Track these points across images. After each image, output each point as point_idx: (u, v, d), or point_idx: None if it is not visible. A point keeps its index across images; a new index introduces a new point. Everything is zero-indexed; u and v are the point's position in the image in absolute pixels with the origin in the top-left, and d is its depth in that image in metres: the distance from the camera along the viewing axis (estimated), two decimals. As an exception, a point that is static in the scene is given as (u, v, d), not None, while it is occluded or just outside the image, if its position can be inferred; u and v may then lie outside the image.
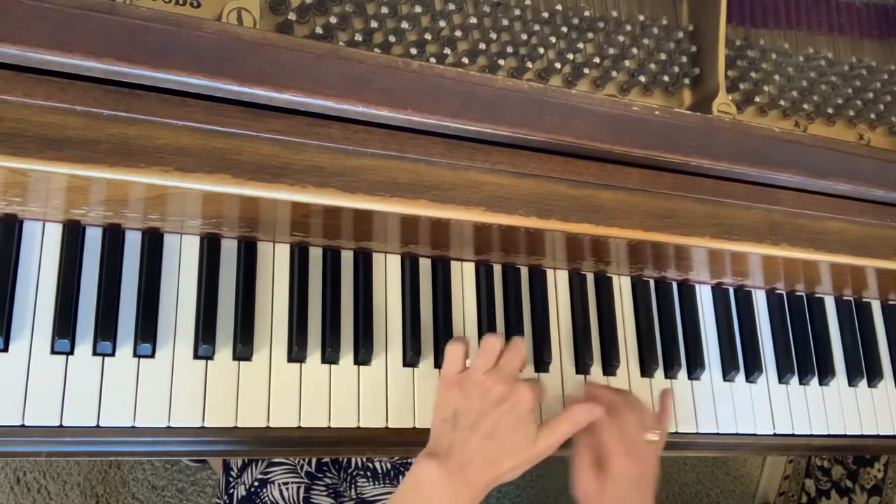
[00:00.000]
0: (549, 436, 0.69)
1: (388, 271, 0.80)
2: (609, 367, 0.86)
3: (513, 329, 0.83)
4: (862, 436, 0.96)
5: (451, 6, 0.77)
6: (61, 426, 0.65)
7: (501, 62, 0.79)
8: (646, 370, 0.87)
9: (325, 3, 0.74)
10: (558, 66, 0.82)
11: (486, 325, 0.82)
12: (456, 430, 0.66)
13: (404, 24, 0.75)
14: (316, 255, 0.77)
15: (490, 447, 0.65)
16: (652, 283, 0.91)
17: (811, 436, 0.93)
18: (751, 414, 0.91)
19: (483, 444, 0.65)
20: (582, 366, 0.84)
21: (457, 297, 0.82)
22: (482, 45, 0.78)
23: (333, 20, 0.73)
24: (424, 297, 0.80)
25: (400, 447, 0.78)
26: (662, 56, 0.87)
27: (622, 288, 0.90)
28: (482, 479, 0.65)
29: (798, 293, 0.99)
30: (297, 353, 0.73)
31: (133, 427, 0.67)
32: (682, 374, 0.89)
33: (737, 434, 0.90)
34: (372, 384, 0.76)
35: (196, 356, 0.70)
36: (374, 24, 0.74)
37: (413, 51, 0.76)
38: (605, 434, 0.73)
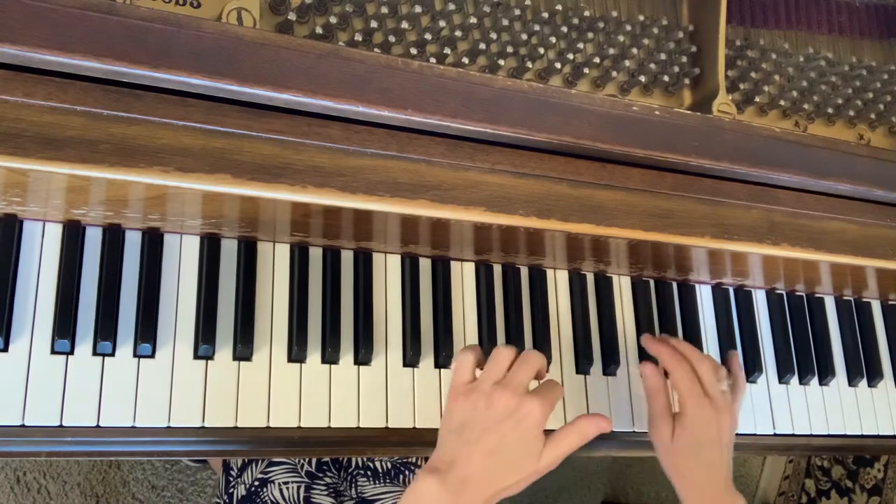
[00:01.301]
0: (555, 450, 0.66)
1: (388, 271, 0.80)
2: (609, 367, 0.86)
3: (513, 329, 0.83)
4: (862, 436, 0.96)
5: (451, 6, 0.77)
6: (61, 426, 0.65)
7: (501, 62, 0.79)
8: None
9: (325, 3, 0.74)
10: (558, 66, 0.82)
11: (486, 325, 0.82)
12: (461, 443, 0.65)
13: (404, 24, 0.75)
14: (316, 255, 0.77)
15: (492, 463, 0.64)
16: (652, 283, 0.91)
17: (811, 436, 0.93)
18: (751, 414, 0.91)
19: (485, 460, 0.64)
20: (582, 366, 0.85)
21: (457, 297, 0.82)
22: (482, 45, 0.78)
23: (333, 20, 0.73)
24: (424, 297, 0.80)
25: (400, 447, 0.78)
26: (662, 56, 0.87)
27: (622, 288, 0.90)
28: (482, 496, 0.64)
29: (798, 293, 0.99)
30: (297, 353, 0.73)
31: (133, 427, 0.67)
32: (682, 374, 0.89)
33: (737, 434, 0.90)
34: (372, 384, 0.76)
35: (196, 356, 0.70)
36: (374, 24, 0.74)
37: (413, 51, 0.76)
38: (680, 379, 0.76)
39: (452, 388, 0.69)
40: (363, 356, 0.76)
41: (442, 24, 0.77)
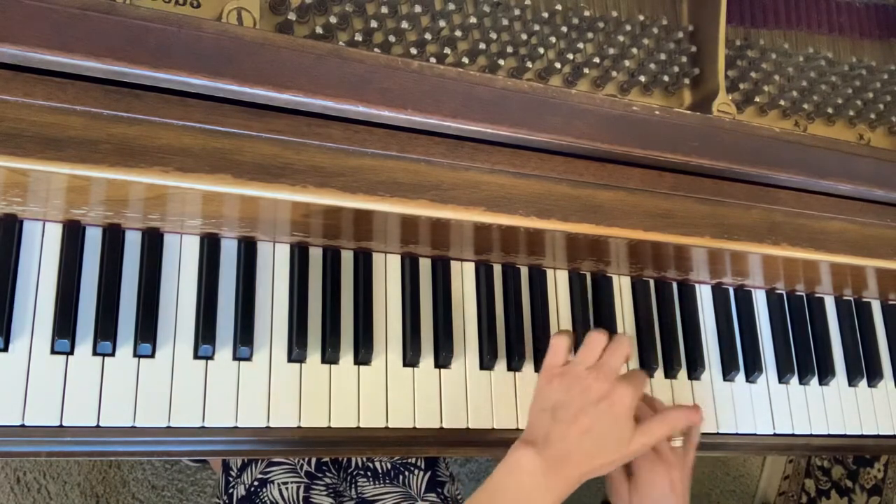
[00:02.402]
0: (643, 437, 0.69)
1: (388, 271, 0.80)
2: (609, 367, 0.86)
3: (513, 329, 0.83)
4: (862, 436, 0.96)
5: (451, 6, 0.77)
6: (61, 426, 0.65)
7: (501, 62, 0.79)
8: (646, 370, 0.87)
9: (325, 3, 0.74)
10: (558, 66, 0.82)
11: (486, 324, 0.82)
12: (555, 422, 0.67)
13: (404, 24, 0.75)
14: (316, 255, 0.77)
15: (586, 443, 0.66)
16: (652, 283, 0.91)
17: (811, 436, 0.93)
18: (751, 414, 0.91)
19: (580, 439, 0.66)
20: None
21: (457, 297, 0.82)
22: (482, 45, 0.78)
23: (333, 20, 0.73)
24: (424, 297, 0.80)
25: (400, 447, 0.78)
26: (662, 56, 0.87)
27: (622, 288, 0.90)
28: (576, 473, 0.66)
29: (798, 293, 0.99)
30: (297, 353, 0.73)
31: (133, 427, 0.67)
32: (682, 374, 0.89)
33: (737, 434, 0.90)
34: (372, 384, 0.76)
35: (196, 356, 0.70)
36: (374, 24, 0.74)
37: (413, 51, 0.76)
38: None
39: (545, 369, 0.72)
40: (363, 356, 0.76)
41: (442, 24, 0.77)
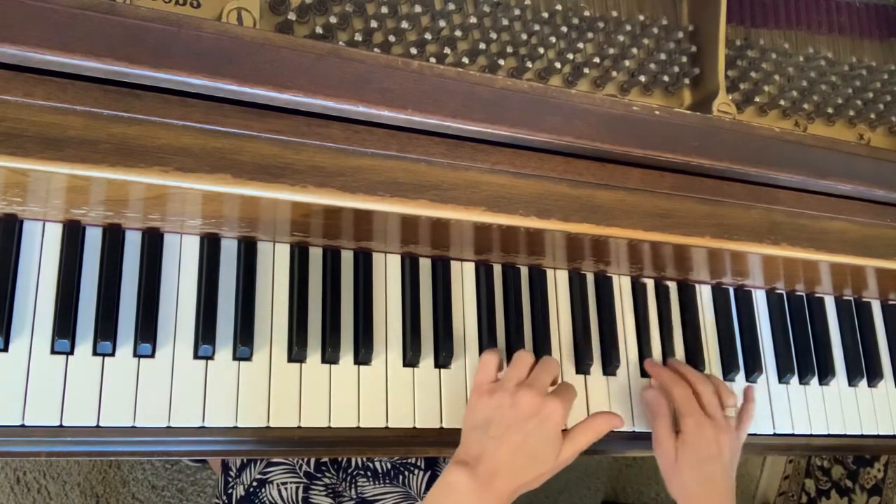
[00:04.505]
0: (572, 446, 0.71)
1: (388, 271, 0.80)
2: (609, 367, 0.86)
3: (513, 329, 0.83)
4: (862, 436, 0.96)
5: (451, 6, 0.77)
6: (61, 426, 0.65)
7: (501, 62, 0.79)
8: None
9: (325, 3, 0.74)
10: (558, 66, 0.82)
11: (486, 325, 0.82)
12: (486, 438, 0.68)
13: (404, 24, 0.75)
14: (316, 255, 0.77)
15: (518, 458, 0.67)
16: (652, 282, 0.91)
17: (811, 436, 0.93)
18: (751, 414, 0.91)
19: (512, 455, 0.67)
20: (582, 366, 0.84)
21: (457, 297, 0.82)
22: (482, 45, 0.78)
23: (333, 20, 0.73)
24: (424, 297, 0.80)
25: (400, 447, 0.78)
26: (662, 56, 0.87)
27: (622, 288, 0.90)
28: (508, 488, 0.67)
29: (798, 293, 0.99)
30: (297, 353, 0.73)
31: (133, 427, 0.67)
32: (682, 374, 0.89)
33: (737, 434, 0.90)
34: (372, 384, 0.76)
35: (196, 356, 0.70)
36: (374, 24, 0.74)
37: (413, 51, 0.76)
38: (678, 398, 0.79)
39: (476, 386, 0.73)
40: (363, 356, 0.76)
41: (442, 24, 0.77)
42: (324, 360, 0.75)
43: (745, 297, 0.95)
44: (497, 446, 0.67)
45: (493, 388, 0.71)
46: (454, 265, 0.83)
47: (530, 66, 0.81)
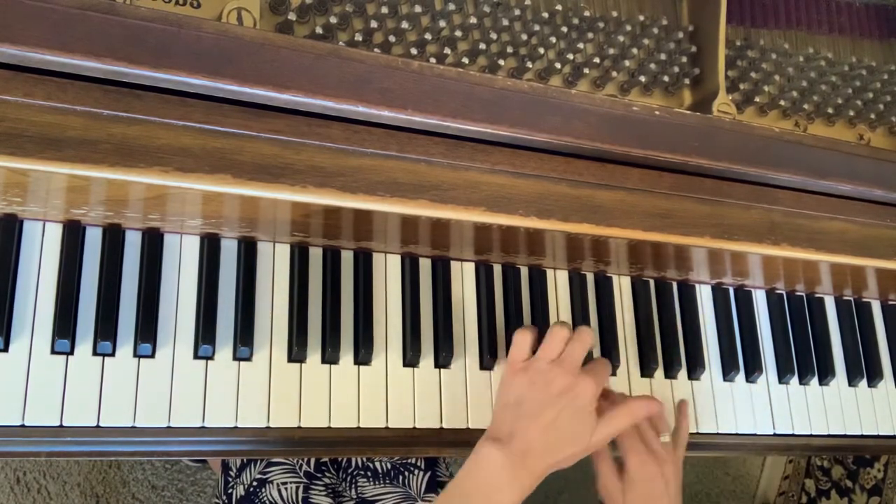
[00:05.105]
0: (606, 428, 0.71)
1: (388, 271, 0.80)
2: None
3: (513, 329, 0.83)
4: (862, 436, 0.96)
5: (451, 6, 0.77)
6: (61, 426, 0.65)
7: (501, 62, 0.79)
8: (646, 370, 0.87)
9: (325, 3, 0.74)
10: (558, 66, 0.82)
11: (486, 325, 0.82)
12: (518, 417, 0.68)
13: (404, 24, 0.75)
14: (316, 255, 0.77)
15: (550, 436, 0.67)
16: (652, 283, 0.91)
17: (811, 436, 0.93)
18: (751, 414, 0.91)
19: (544, 433, 0.67)
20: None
21: (457, 297, 0.82)
22: (482, 45, 0.78)
23: (333, 20, 0.73)
24: (424, 297, 0.80)
25: (400, 447, 0.78)
26: (662, 56, 0.87)
27: (622, 288, 0.90)
28: (540, 466, 0.67)
29: (798, 293, 0.99)
30: (297, 353, 0.73)
31: (133, 427, 0.67)
32: (682, 374, 0.89)
33: (737, 434, 0.90)
34: (372, 384, 0.76)
35: (196, 356, 0.70)
36: (374, 24, 0.74)
37: (413, 51, 0.76)
38: (622, 436, 0.76)
39: (509, 364, 0.73)
40: (363, 356, 0.76)
41: (442, 24, 0.77)
42: (324, 361, 0.75)
43: (745, 298, 0.95)
44: (529, 424, 0.67)
45: (527, 366, 0.71)
46: (454, 265, 0.83)
47: (530, 66, 0.81)
